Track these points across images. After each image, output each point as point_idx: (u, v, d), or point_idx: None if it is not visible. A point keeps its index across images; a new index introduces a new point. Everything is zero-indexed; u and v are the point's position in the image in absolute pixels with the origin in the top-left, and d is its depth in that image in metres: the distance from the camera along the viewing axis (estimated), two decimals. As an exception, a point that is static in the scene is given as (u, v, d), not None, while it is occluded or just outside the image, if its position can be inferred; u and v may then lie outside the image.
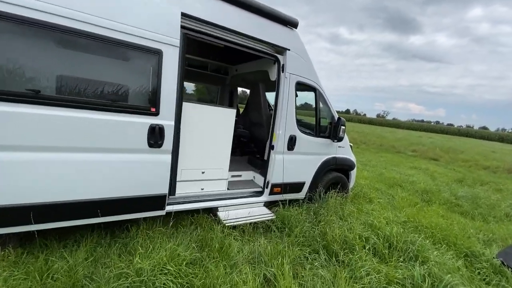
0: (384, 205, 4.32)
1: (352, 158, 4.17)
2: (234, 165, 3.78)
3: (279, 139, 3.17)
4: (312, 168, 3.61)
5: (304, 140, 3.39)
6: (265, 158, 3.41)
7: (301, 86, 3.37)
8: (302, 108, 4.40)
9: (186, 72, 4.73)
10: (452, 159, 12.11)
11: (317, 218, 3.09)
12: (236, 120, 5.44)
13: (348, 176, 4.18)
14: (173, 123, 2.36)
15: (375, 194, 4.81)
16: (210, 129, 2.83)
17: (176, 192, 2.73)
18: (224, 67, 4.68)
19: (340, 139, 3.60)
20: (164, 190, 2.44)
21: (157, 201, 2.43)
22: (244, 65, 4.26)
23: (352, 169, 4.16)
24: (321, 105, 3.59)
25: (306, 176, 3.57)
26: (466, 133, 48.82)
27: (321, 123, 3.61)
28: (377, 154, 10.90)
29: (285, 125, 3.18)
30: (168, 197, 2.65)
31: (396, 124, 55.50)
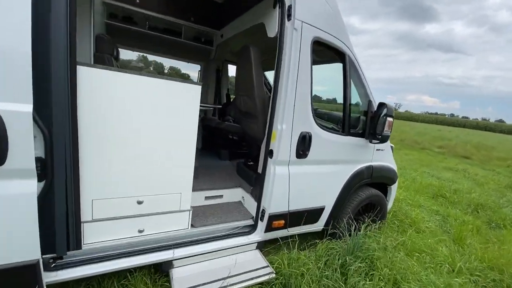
0: (437, 233, 2.95)
1: (394, 165, 2.77)
2: (215, 177, 2.45)
3: (282, 139, 1.81)
4: (336, 184, 2.25)
5: (324, 140, 2.02)
6: (259, 170, 2.06)
7: (322, 49, 1.97)
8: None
9: (146, 41, 3.29)
10: (486, 157, 10.45)
11: (347, 282, 1.74)
12: (223, 110, 4.09)
13: (386, 193, 2.80)
14: (30, 108, 1.03)
15: (419, 214, 3.41)
16: (154, 122, 1.49)
17: (83, 243, 1.44)
18: (206, 33, 3.29)
19: (383, 139, 2.20)
20: (32, 252, 1.14)
21: (14, 277, 1.13)
22: (231, 25, 2.85)
23: (394, 182, 2.77)
24: (352, 83, 2.18)
25: (326, 197, 2.22)
26: (485, 126, 46.14)
27: (352, 113, 2.21)
28: (401, 151, 9.37)
29: (292, 115, 1.81)
30: (65, 254, 1.37)
31: (409, 117, 52.92)
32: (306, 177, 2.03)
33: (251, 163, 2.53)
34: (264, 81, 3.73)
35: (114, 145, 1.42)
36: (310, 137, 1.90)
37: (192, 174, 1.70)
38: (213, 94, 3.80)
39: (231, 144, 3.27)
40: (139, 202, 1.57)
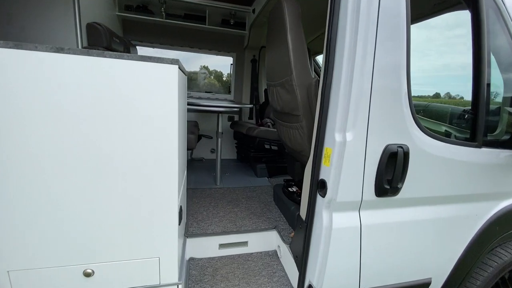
0: None
1: None
2: (240, 209, 1.70)
3: (346, 161, 0.91)
4: (456, 240, 1.20)
5: (435, 159, 1.02)
6: (302, 214, 1.19)
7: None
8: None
9: (167, 33, 2.54)
10: None
11: None
12: (262, 111, 3.30)
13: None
14: None
15: None
16: (102, 130, 0.83)
17: None
18: (235, 12, 2.58)
19: None
20: None
21: None
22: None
23: None
24: (491, 49, 1.10)
25: (434, 263, 1.20)
26: None
27: (491, 101, 1.13)
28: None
29: (367, 114, 0.89)
30: None
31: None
32: (396, 230, 1.06)
33: (294, 189, 1.67)
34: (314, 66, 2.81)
35: (33, 175, 0.80)
36: (406, 154, 0.94)
37: (177, 219, 0.97)
38: (248, 91, 3.09)
39: (270, 155, 2.47)
40: (88, 274, 0.92)
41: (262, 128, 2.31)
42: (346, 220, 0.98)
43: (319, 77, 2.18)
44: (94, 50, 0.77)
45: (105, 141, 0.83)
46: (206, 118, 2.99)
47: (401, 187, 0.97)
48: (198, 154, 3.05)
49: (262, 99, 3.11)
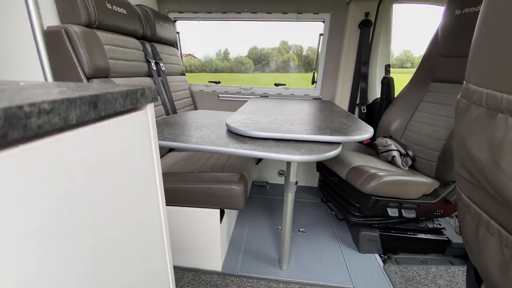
0: None
1: None
2: None
3: None
4: None
5: None
6: None
7: None
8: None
9: None
10: None
11: None
12: (369, 114, 1.80)
13: None
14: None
15: None
16: None
17: None
18: None
19: None
20: None
21: None
22: None
23: None
24: None
25: None
26: None
27: None
28: None
29: None
30: None
31: None
32: None
33: None
34: None
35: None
36: None
37: None
38: (349, 81, 1.81)
39: (390, 221, 1.28)
40: None
41: (383, 176, 1.11)
42: None
43: None
44: None
45: None
46: None
47: None
48: (262, 175, 2.15)
49: (375, 94, 1.80)
